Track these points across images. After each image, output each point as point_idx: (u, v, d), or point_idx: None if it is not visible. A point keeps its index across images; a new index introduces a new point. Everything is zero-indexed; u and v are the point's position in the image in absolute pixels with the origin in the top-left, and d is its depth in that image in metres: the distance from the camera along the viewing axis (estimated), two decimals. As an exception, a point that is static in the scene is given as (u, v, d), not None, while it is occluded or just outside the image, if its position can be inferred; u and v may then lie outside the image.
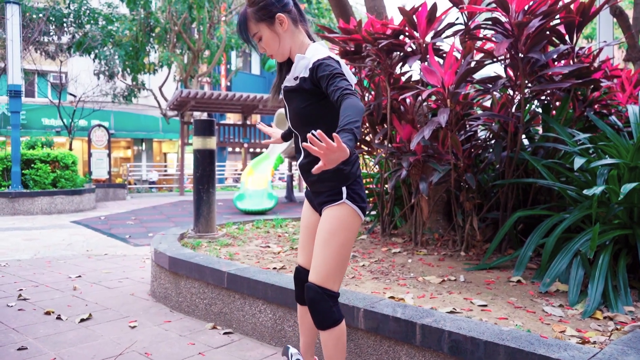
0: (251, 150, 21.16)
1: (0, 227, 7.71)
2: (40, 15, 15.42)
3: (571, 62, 3.11)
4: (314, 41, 1.79)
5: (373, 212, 4.57)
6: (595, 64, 3.29)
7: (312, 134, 1.32)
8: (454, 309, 2.13)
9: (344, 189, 1.71)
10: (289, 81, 1.75)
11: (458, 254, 3.23)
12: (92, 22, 17.30)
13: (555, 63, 3.24)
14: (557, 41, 3.09)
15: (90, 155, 14.51)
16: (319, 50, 1.68)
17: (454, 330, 1.78)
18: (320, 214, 1.80)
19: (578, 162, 2.50)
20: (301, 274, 1.90)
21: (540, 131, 3.48)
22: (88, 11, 17.24)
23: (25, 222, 8.32)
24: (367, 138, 4.01)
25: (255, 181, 10.32)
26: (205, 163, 3.99)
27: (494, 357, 1.67)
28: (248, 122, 15.95)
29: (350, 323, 2.12)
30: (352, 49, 3.60)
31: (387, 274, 2.83)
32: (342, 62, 1.70)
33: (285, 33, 1.72)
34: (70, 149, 16.05)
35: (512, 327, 1.89)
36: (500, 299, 2.31)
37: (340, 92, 1.50)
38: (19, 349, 2.48)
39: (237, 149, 24.84)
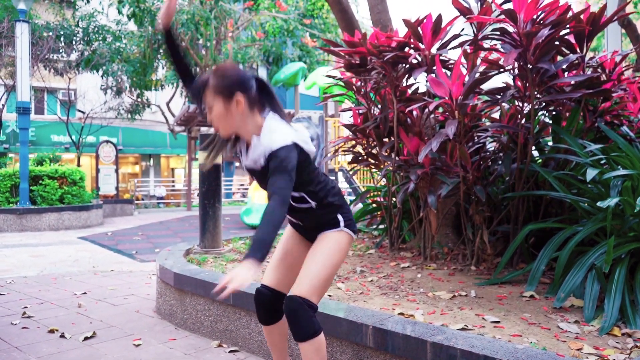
0: (258, 164, 21.13)
1: (7, 243, 7.71)
2: (50, 33, 15.61)
3: (581, 72, 3.06)
4: (272, 109, 1.78)
5: (381, 226, 4.51)
6: (617, 72, 3.26)
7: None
8: (465, 325, 2.07)
9: (339, 217, 1.84)
10: (251, 162, 1.76)
11: (468, 269, 3.16)
12: (100, 39, 17.49)
13: (565, 74, 3.19)
14: (567, 51, 3.04)
15: (98, 171, 14.56)
16: (274, 133, 1.67)
17: (467, 349, 1.72)
18: (310, 241, 1.89)
19: (590, 173, 2.44)
20: (264, 295, 1.86)
21: (551, 142, 3.42)
22: (97, 28, 17.45)
23: (33, 239, 8.31)
24: (374, 151, 3.97)
25: (263, 196, 10.27)
26: (211, 178, 3.96)
27: (508, 376, 1.61)
28: (255, 137, 15.96)
29: (358, 341, 2.06)
30: (358, 61, 3.58)
31: (396, 290, 2.76)
32: (300, 132, 1.74)
33: (237, 114, 1.70)
34: (79, 165, 16.15)
35: (526, 344, 1.83)
36: (513, 314, 2.24)
37: (272, 190, 1.56)
38: (21, 369, 2.44)
39: (244, 164, 24.82)
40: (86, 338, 2.91)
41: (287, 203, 1.57)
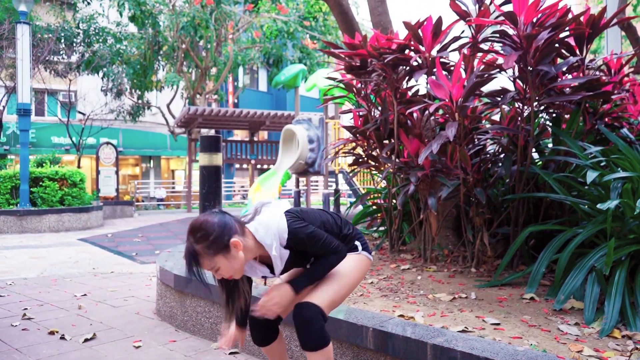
0: (258, 166, 21.19)
1: (8, 245, 7.71)
2: (50, 35, 15.63)
3: (581, 74, 3.07)
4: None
5: (381, 228, 4.51)
6: (622, 73, 3.27)
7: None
8: (465, 327, 2.07)
9: (357, 242, 1.90)
10: (282, 265, 1.78)
11: (468, 270, 3.16)
12: (100, 41, 17.52)
13: (565, 76, 3.20)
14: (567, 53, 3.05)
15: (98, 172, 14.57)
16: (269, 229, 1.70)
17: (467, 351, 1.72)
18: None
19: (591, 175, 2.44)
20: (260, 320, 1.84)
21: (551, 145, 3.42)
22: (97, 30, 17.47)
23: (33, 240, 8.32)
24: (374, 153, 3.97)
25: (263, 197, 10.28)
26: (212, 179, 3.97)
27: (509, 379, 1.61)
28: (255, 139, 16.00)
29: (359, 343, 2.06)
30: (358, 64, 3.58)
31: (396, 292, 2.76)
32: (271, 206, 1.79)
33: (240, 252, 1.68)
34: (79, 166, 16.15)
35: (527, 346, 1.83)
36: (513, 317, 2.24)
37: (329, 251, 1.75)
38: (21, 370, 2.44)
39: (245, 166, 24.88)
40: (86, 340, 2.91)
41: (341, 250, 1.77)
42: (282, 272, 1.83)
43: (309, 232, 1.70)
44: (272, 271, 1.80)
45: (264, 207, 1.80)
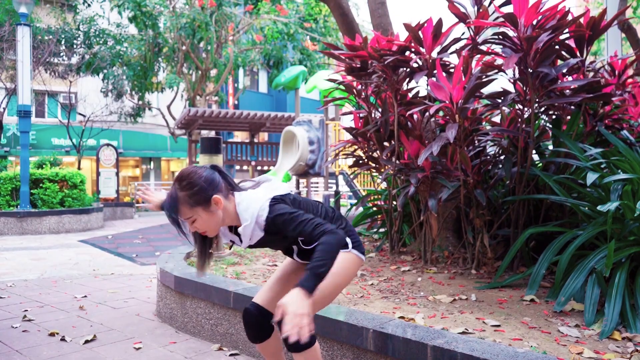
0: (259, 168, 21.19)
1: (8, 247, 7.71)
2: (51, 36, 15.65)
3: (582, 76, 3.07)
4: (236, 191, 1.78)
5: (382, 230, 4.51)
6: (626, 74, 3.28)
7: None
8: (466, 329, 2.07)
9: (348, 240, 1.80)
10: (249, 240, 1.75)
11: (469, 272, 3.16)
12: (101, 42, 17.53)
13: (565, 78, 3.20)
14: (567, 55, 3.05)
15: (98, 174, 14.58)
16: (251, 206, 1.69)
17: (467, 352, 1.72)
18: None
19: (591, 177, 2.44)
20: (252, 315, 1.85)
21: (551, 146, 3.43)
22: (97, 32, 17.48)
23: (33, 242, 8.32)
24: (375, 154, 3.97)
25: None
26: (212, 181, 3.96)
27: (509, 380, 1.61)
28: (255, 140, 16.01)
29: (359, 344, 2.06)
30: (358, 65, 3.59)
31: (396, 293, 2.76)
32: (268, 185, 1.77)
33: (219, 211, 1.71)
34: (79, 168, 16.15)
35: (527, 348, 1.83)
36: (513, 318, 2.24)
37: (315, 237, 1.59)
38: (21, 372, 2.44)
39: (245, 167, 24.89)
40: (87, 341, 2.91)
41: (334, 231, 1.59)
42: (254, 247, 1.81)
43: (287, 217, 1.63)
44: (241, 241, 1.79)
45: (263, 183, 1.81)
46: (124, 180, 23.57)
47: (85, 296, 4.13)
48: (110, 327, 3.21)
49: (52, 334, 3.05)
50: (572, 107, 3.20)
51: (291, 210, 1.65)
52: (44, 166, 11.33)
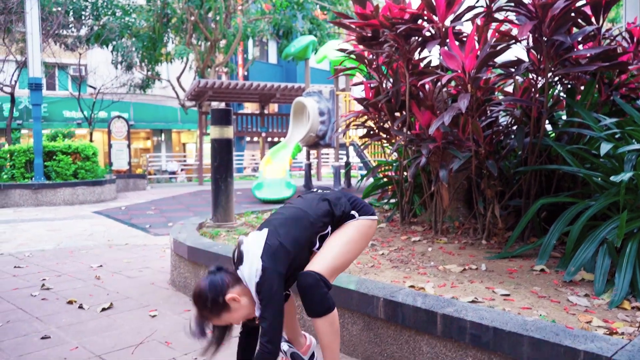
0: (269, 139, 21.18)
1: (24, 218, 7.86)
2: (59, 8, 15.56)
3: (597, 44, 3.01)
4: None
5: (392, 200, 4.52)
6: None
7: None
8: (475, 298, 2.09)
9: (353, 212, 1.87)
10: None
11: (479, 243, 3.17)
12: (109, 13, 17.40)
13: (581, 46, 3.13)
14: (583, 23, 2.98)
15: (110, 146, 14.68)
16: (252, 275, 1.67)
17: (476, 321, 1.75)
18: None
19: (604, 147, 2.42)
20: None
21: (564, 116, 3.38)
22: (106, 3, 17.34)
23: (48, 213, 8.46)
24: (386, 125, 3.95)
25: (274, 170, 10.32)
26: (223, 152, 3.98)
27: (517, 348, 1.63)
28: (265, 112, 15.96)
29: (369, 312, 2.10)
30: (369, 34, 3.54)
31: (406, 263, 2.79)
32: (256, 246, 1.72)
33: (242, 300, 1.70)
34: (91, 140, 16.27)
35: (536, 317, 1.85)
36: (523, 288, 2.26)
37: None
38: (42, 338, 2.52)
39: (255, 139, 24.89)
40: (104, 309, 2.99)
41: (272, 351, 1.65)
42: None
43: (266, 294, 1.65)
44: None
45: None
46: (136, 152, 23.73)
47: (101, 266, 4.22)
48: (126, 296, 3.29)
49: (70, 302, 3.14)
50: (587, 76, 3.14)
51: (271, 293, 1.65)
52: (56, 139, 11.43)
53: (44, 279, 3.75)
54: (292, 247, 1.73)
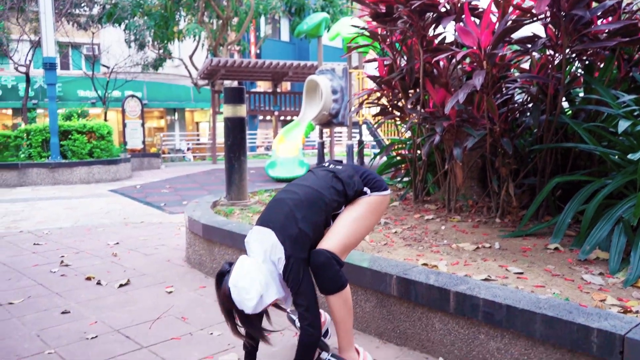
0: (282, 118, 21.14)
1: (42, 196, 7.99)
2: (71, -14, 15.50)
3: (618, 19, 2.93)
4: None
5: (405, 179, 4.51)
6: None
7: None
8: (488, 276, 2.10)
9: (364, 189, 1.87)
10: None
11: (493, 221, 3.16)
12: (121, -8, 17.31)
13: (599, 21, 3.06)
14: (603, -4, 2.90)
15: (124, 125, 14.78)
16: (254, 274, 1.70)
17: (489, 298, 1.75)
18: None
19: (622, 125, 2.38)
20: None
21: (582, 93, 3.32)
22: (117, -19, 17.24)
23: (65, 192, 8.58)
24: (399, 103, 3.92)
25: (287, 149, 10.33)
26: (236, 131, 3.99)
27: (530, 325, 1.64)
28: (278, 90, 15.89)
29: (383, 289, 2.12)
30: (383, 10, 3.49)
31: (420, 241, 2.80)
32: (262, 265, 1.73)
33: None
34: (105, 119, 16.37)
35: (549, 295, 1.85)
36: (537, 266, 2.26)
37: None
38: (62, 313, 2.58)
39: (268, 117, 24.86)
40: (121, 285, 3.05)
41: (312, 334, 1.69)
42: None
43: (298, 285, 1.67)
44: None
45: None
46: (149, 131, 23.85)
47: (118, 243, 4.29)
48: (143, 273, 3.34)
49: (88, 278, 3.20)
50: (606, 52, 3.07)
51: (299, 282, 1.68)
52: (71, 118, 11.53)
53: (62, 256, 3.82)
54: (311, 231, 1.73)
